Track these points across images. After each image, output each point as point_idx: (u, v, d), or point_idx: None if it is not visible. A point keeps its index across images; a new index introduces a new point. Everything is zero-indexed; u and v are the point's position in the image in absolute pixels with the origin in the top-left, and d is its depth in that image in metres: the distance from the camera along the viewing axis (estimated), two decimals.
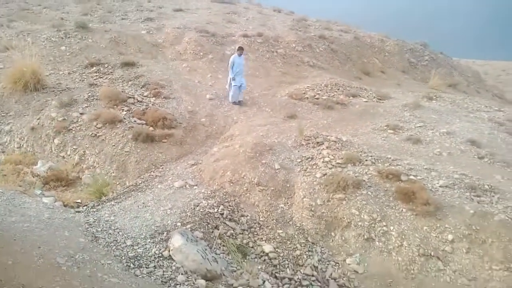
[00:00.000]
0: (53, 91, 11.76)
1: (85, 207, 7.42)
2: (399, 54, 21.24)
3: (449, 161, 9.22)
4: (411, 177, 8.10)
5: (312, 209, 7.65)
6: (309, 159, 8.92)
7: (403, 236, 7.03)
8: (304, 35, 19.56)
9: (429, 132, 10.82)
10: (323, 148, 9.29)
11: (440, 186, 7.92)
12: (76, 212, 7.10)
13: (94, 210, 7.27)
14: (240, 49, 12.78)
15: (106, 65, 13.85)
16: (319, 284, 6.53)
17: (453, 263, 6.68)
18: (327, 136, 9.92)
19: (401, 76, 19.77)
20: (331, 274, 6.70)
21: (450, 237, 6.91)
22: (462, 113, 12.99)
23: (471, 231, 6.90)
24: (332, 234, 7.37)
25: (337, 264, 6.92)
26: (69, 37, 15.43)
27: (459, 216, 7.12)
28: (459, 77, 21.68)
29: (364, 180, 7.98)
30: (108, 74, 13.32)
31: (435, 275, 6.60)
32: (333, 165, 8.57)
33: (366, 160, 8.76)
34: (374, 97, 14.01)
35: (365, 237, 7.16)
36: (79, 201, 7.83)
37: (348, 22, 25.78)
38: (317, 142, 9.62)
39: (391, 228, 7.15)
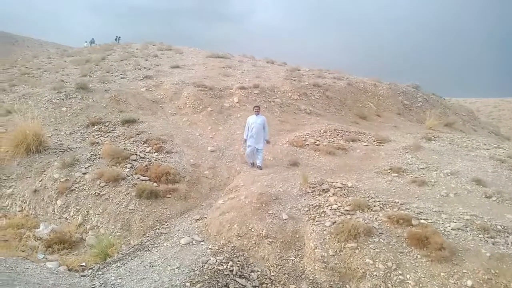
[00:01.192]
0: (55, 152, 11.79)
1: (90, 270, 7.18)
2: (392, 97, 21.71)
3: (457, 202, 9.12)
4: (422, 221, 7.96)
5: (325, 260, 7.43)
6: (317, 207, 8.81)
7: (421, 285, 6.77)
8: (298, 84, 20.07)
9: (433, 173, 10.81)
10: (330, 195, 9.21)
11: (452, 229, 7.77)
12: (82, 276, 6.86)
13: (100, 273, 7.03)
14: (256, 108, 11.78)
15: (107, 124, 14.02)
16: None
17: None
18: (332, 182, 9.87)
19: (397, 118, 20.08)
20: None
21: (469, 283, 6.66)
22: (463, 152, 13.06)
23: (490, 275, 6.67)
24: (347, 286, 7.09)
25: None
26: (69, 98, 15.74)
27: (476, 260, 6.92)
28: (454, 116, 22.04)
29: (375, 227, 7.82)
30: (110, 132, 13.44)
31: None
32: (341, 213, 8.44)
33: (374, 206, 8.65)
34: (374, 141, 14.13)
35: (382, 287, 6.90)
36: (83, 264, 7.60)
37: (340, 69, 26.59)
38: (323, 189, 9.55)
39: (407, 276, 6.91)
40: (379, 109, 20.67)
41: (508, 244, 7.32)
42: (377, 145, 13.75)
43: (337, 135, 14.48)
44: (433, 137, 14.98)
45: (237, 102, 16.90)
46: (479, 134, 20.31)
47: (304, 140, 13.86)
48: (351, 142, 13.83)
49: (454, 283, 6.73)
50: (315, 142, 13.71)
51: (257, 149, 11.49)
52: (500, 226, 7.90)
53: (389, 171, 11.11)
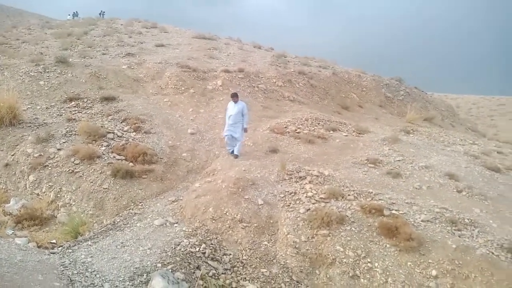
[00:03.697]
0: (30, 126, 11.49)
1: (60, 248, 7.09)
2: (375, 89, 21.86)
3: (429, 195, 9.33)
4: (394, 211, 8.13)
5: (297, 246, 7.52)
6: (292, 194, 8.88)
7: (388, 273, 6.95)
8: (284, 70, 19.99)
9: (408, 166, 11.00)
10: (306, 183, 9.29)
11: (422, 221, 7.95)
12: (51, 253, 6.77)
13: (70, 251, 6.95)
14: (233, 95, 11.06)
15: (85, 100, 13.72)
16: None
17: None
18: (310, 170, 9.95)
19: (378, 110, 20.27)
20: None
21: (434, 272, 6.87)
22: (439, 147, 13.31)
23: (454, 266, 6.89)
24: (317, 272, 7.23)
25: None
26: (48, 71, 15.30)
27: (442, 251, 7.13)
28: (434, 111, 22.38)
29: (347, 216, 7.95)
30: (87, 108, 13.17)
31: None
32: (316, 200, 8.54)
33: (348, 195, 8.78)
34: (354, 131, 14.24)
35: (350, 274, 7.05)
36: (54, 241, 7.49)
37: (326, 58, 26.59)
38: (300, 177, 9.62)
39: (376, 264, 7.07)
40: (361, 100, 20.80)
41: (473, 237, 7.55)
42: (356, 136, 13.87)
43: (318, 124, 14.54)
44: (411, 131, 15.19)
45: (220, 85, 16.75)
46: (457, 130, 20.73)
47: (285, 127, 13.86)
48: (331, 132, 13.91)
49: (420, 272, 6.93)
50: (296, 130, 13.73)
51: (234, 137, 11.06)
52: (468, 219, 8.13)
53: (366, 161, 11.24)
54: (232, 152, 11.35)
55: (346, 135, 13.73)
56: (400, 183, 9.93)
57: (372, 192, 9.03)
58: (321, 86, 20.09)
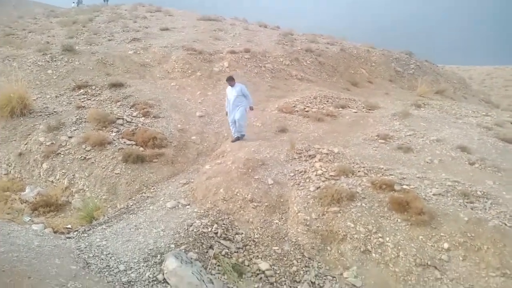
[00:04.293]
0: (41, 115, 11.64)
1: (75, 233, 7.26)
2: (385, 64, 21.49)
3: (440, 169, 9.25)
4: (404, 186, 8.08)
5: (307, 223, 7.58)
6: (302, 173, 8.89)
7: (399, 247, 6.97)
8: (291, 49, 19.74)
9: (420, 140, 10.88)
10: (316, 161, 9.27)
11: (433, 195, 7.91)
12: (67, 238, 6.94)
13: (85, 235, 7.12)
14: (229, 79, 10.62)
15: (93, 87, 13.79)
16: None
17: (450, 271, 6.63)
18: (319, 148, 9.92)
19: (388, 85, 19.97)
20: None
21: (446, 245, 6.87)
22: (451, 120, 13.11)
23: (466, 238, 6.87)
24: (328, 248, 7.29)
25: (335, 279, 6.82)
26: (55, 60, 15.38)
27: (454, 224, 7.10)
28: (445, 84, 21.95)
29: (358, 192, 7.94)
30: (96, 95, 13.25)
31: (432, 285, 6.53)
32: (326, 178, 8.54)
33: (358, 171, 8.75)
34: (363, 108, 14.10)
35: (362, 249, 7.10)
36: (69, 226, 7.68)
37: (333, 35, 26.12)
38: (309, 155, 9.61)
39: (387, 239, 7.10)
40: (371, 76, 20.50)
41: (486, 209, 7.50)
42: (366, 112, 13.73)
43: (327, 101, 14.41)
44: (422, 104, 14.97)
45: (227, 67, 16.64)
46: (469, 102, 20.34)
47: (294, 106, 13.77)
48: (340, 109, 13.78)
49: (432, 245, 6.93)
50: (305, 109, 13.64)
51: (235, 120, 10.63)
52: (480, 192, 8.06)
53: (376, 137, 11.15)
54: (238, 138, 10.87)
55: (356, 112, 13.60)
56: (411, 158, 9.85)
57: (382, 168, 8.99)
58: (329, 63, 19.81)
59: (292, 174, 8.93)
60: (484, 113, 14.45)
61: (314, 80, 17.93)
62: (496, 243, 6.71)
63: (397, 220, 7.34)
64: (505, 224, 7.03)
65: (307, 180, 8.64)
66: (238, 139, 10.78)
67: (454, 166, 9.44)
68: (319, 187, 8.24)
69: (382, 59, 21.72)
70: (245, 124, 10.99)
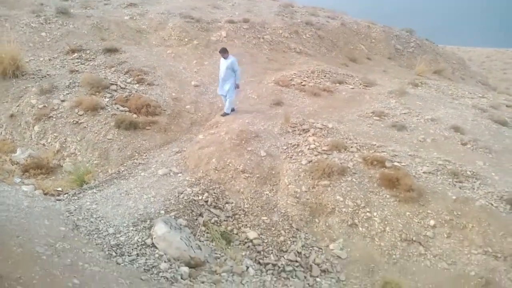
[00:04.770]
0: (33, 77, 11.46)
1: (66, 195, 7.29)
2: (385, 41, 21.19)
3: (433, 148, 9.30)
4: (396, 163, 8.15)
5: (297, 195, 7.65)
6: (295, 146, 8.90)
7: (386, 222, 7.09)
8: (290, 21, 19.37)
9: (414, 118, 10.88)
10: (309, 135, 9.28)
11: (423, 173, 7.99)
12: (57, 200, 6.97)
13: (75, 198, 7.15)
14: (222, 51, 10.18)
15: (88, 51, 13.54)
16: (302, 269, 6.56)
17: (434, 248, 6.78)
18: (313, 123, 9.90)
19: (387, 62, 19.77)
20: (314, 259, 6.73)
21: (432, 222, 7.00)
22: (447, 100, 13.09)
23: (452, 216, 7.00)
24: (316, 220, 7.40)
25: (321, 250, 6.95)
26: (49, 22, 15.01)
27: (441, 202, 7.21)
28: (444, 64, 21.77)
29: (349, 167, 8.00)
30: (90, 60, 13.03)
31: (416, 260, 6.70)
32: (318, 152, 8.57)
33: (351, 147, 8.78)
34: (361, 84, 13.99)
35: (349, 223, 7.21)
36: (59, 189, 7.69)
37: (334, 8, 25.60)
38: (303, 129, 9.60)
39: (374, 214, 7.21)
40: (370, 52, 20.25)
41: (474, 188, 7.61)
42: (363, 89, 13.64)
43: (324, 76, 14.27)
44: (420, 83, 14.89)
45: (224, 37, 16.34)
46: (467, 83, 20.26)
47: (291, 80, 13.64)
48: (337, 84, 13.68)
49: (418, 222, 7.06)
50: (301, 83, 13.52)
51: (223, 95, 10.56)
52: (470, 172, 8.15)
53: (371, 114, 11.13)
54: (226, 113, 10.64)
55: (353, 88, 13.51)
56: (404, 136, 9.88)
57: (375, 145, 9.02)
58: (329, 38, 19.51)
59: (285, 147, 8.95)
60: (480, 95, 14.43)
61: (313, 54, 17.70)
62: (481, 222, 6.86)
63: (385, 196, 7.43)
64: (492, 204, 7.16)
65: (300, 154, 8.66)
66: (224, 113, 10.61)
67: (446, 145, 9.49)
68: (311, 161, 8.27)
69: (382, 35, 21.40)
70: (233, 100, 10.67)
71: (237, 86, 10.46)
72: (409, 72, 18.29)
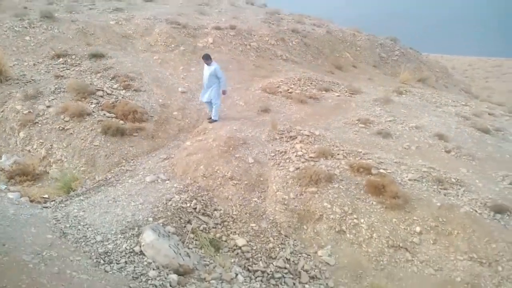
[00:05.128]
0: (18, 83, 11.29)
1: (52, 203, 7.19)
2: (370, 49, 21.55)
3: (417, 155, 9.48)
4: (381, 170, 8.28)
5: (285, 202, 7.70)
6: (283, 153, 8.97)
7: (373, 228, 7.19)
8: (277, 28, 19.54)
9: (399, 126, 11.08)
10: (296, 142, 9.36)
11: (409, 180, 8.13)
12: (44, 207, 6.87)
13: (62, 205, 7.06)
14: (205, 57, 10.19)
15: (73, 57, 13.41)
16: (291, 276, 6.59)
17: (420, 254, 6.90)
18: (300, 130, 10.00)
19: (372, 70, 20.09)
20: (303, 266, 6.77)
21: (418, 229, 7.13)
22: (431, 108, 13.36)
23: (438, 223, 7.14)
24: (305, 227, 7.45)
25: (309, 256, 7.00)
26: (33, 27, 14.82)
27: (427, 209, 7.35)
28: (428, 72, 22.22)
29: (336, 174, 8.09)
30: (76, 65, 12.90)
31: (403, 266, 6.80)
32: (306, 159, 8.65)
33: (338, 154, 8.89)
34: (346, 92, 14.19)
35: (337, 229, 7.28)
36: (46, 196, 7.59)
37: (320, 16, 25.91)
38: (290, 136, 9.68)
39: (362, 220, 7.30)
40: (355, 60, 20.55)
41: (458, 195, 7.77)
42: (349, 96, 13.83)
43: (311, 83, 14.43)
44: (404, 91, 15.16)
45: (211, 43, 16.39)
46: (450, 91, 20.71)
47: (278, 87, 13.74)
48: (323, 92, 13.84)
49: (404, 228, 7.18)
50: (288, 90, 13.64)
51: (207, 102, 10.59)
52: (454, 179, 8.33)
53: (357, 122, 11.29)
54: (210, 118, 10.67)
55: (339, 95, 13.69)
56: (389, 143, 10.04)
57: (361, 152, 9.15)
58: (315, 45, 19.74)
59: (272, 154, 9.00)
60: (463, 103, 14.77)
61: (299, 61, 17.88)
62: (466, 229, 7.01)
63: (372, 203, 7.54)
64: (476, 211, 7.33)
65: (287, 161, 8.73)
66: (211, 120, 10.58)
67: (430, 153, 9.69)
68: (299, 168, 8.35)
69: (367, 44, 21.76)
70: (218, 107, 10.63)
71: (223, 93, 10.50)
72: (393, 80, 18.63)
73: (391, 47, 22.93)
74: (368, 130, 10.79)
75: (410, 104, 13.34)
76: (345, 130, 10.72)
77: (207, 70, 10.20)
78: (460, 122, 12.01)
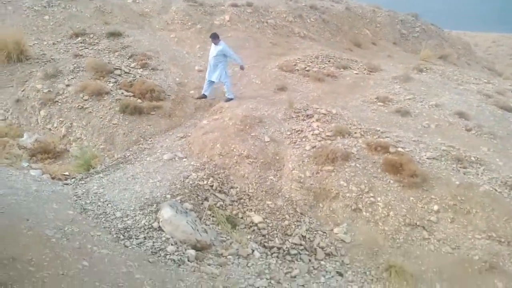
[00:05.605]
0: (38, 62, 11.46)
1: (73, 180, 7.38)
2: (390, 25, 20.99)
3: (437, 133, 9.30)
4: (399, 149, 8.16)
5: (301, 180, 7.71)
6: (299, 132, 8.92)
7: (390, 207, 7.15)
8: (294, 5, 19.16)
9: (418, 104, 10.85)
10: (313, 121, 9.28)
11: (427, 158, 8.01)
12: (64, 184, 7.06)
13: (83, 182, 7.23)
14: (212, 36, 10.26)
15: (91, 36, 13.49)
16: (307, 253, 6.66)
17: (437, 232, 6.85)
18: (317, 108, 9.90)
19: (392, 47, 19.62)
20: (318, 243, 6.82)
21: (435, 207, 7.06)
22: (452, 85, 13.02)
23: (456, 201, 7.05)
24: (320, 205, 7.47)
25: (325, 234, 7.04)
26: (52, 6, 14.90)
27: (445, 187, 7.26)
28: (449, 49, 21.58)
29: (353, 152, 8.02)
30: (94, 44, 12.99)
31: (420, 244, 6.78)
32: (322, 138, 8.59)
33: (355, 133, 8.80)
34: (365, 69, 13.92)
35: (353, 207, 7.27)
36: (67, 173, 7.78)
37: None
38: (307, 115, 9.60)
39: (378, 199, 7.26)
40: (375, 37, 20.07)
41: (478, 174, 7.64)
42: (367, 74, 13.57)
43: (329, 61, 14.19)
44: (424, 69, 14.78)
45: (228, 21, 16.22)
46: (472, 68, 20.12)
47: (295, 65, 13.56)
48: (341, 70, 13.61)
49: (422, 207, 7.12)
50: (305, 68, 13.45)
51: (212, 81, 10.60)
52: (474, 157, 8.18)
53: (375, 100, 11.11)
54: (203, 96, 10.85)
55: (357, 73, 13.45)
56: (408, 122, 9.88)
57: (379, 130, 9.03)
58: (333, 22, 19.33)
59: (289, 133, 8.97)
60: (486, 80, 14.33)
61: (317, 38, 17.57)
62: (485, 207, 6.92)
63: (389, 181, 7.48)
64: (495, 190, 7.21)
65: (304, 139, 8.68)
66: (228, 99, 10.59)
67: (450, 131, 9.50)
68: (315, 146, 8.30)
69: (387, 20, 21.19)
70: (230, 85, 10.73)
71: (241, 68, 10.77)
72: (414, 57, 18.17)
73: (412, 23, 22.27)
74: (386, 108, 10.61)
75: (431, 82, 13.01)
76: (363, 109, 10.57)
77: (214, 49, 10.27)
78: (482, 100, 11.68)
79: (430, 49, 18.39)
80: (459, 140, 9.03)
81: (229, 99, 10.53)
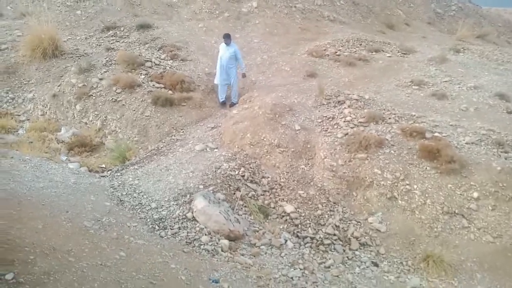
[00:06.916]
0: (72, 57, 11.75)
1: (109, 172, 7.60)
2: (424, 5, 20.13)
3: (476, 117, 8.91)
4: (436, 134, 7.88)
5: (333, 169, 7.59)
6: (330, 119, 8.76)
7: (427, 195, 6.94)
8: None
9: (456, 86, 10.41)
10: (345, 107, 9.08)
11: (466, 143, 7.70)
12: (101, 176, 7.29)
13: (118, 174, 7.43)
14: (226, 36, 10.17)
15: (122, 29, 13.71)
16: (340, 243, 6.59)
17: (478, 220, 6.60)
18: (349, 94, 9.67)
19: (426, 28, 18.83)
20: (352, 233, 6.73)
21: (475, 194, 6.79)
22: (491, 66, 12.39)
23: (497, 188, 6.75)
24: (354, 194, 7.34)
25: (359, 223, 6.93)
26: (83, 0, 15.23)
27: (485, 173, 6.95)
28: (488, 27, 20.47)
29: (387, 139, 7.81)
30: (125, 37, 13.19)
31: (459, 233, 6.56)
32: (355, 124, 8.40)
33: (389, 118, 8.55)
34: (398, 52, 13.45)
35: (388, 196, 7.11)
36: (103, 166, 8.03)
37: None
38: (338, 101, 9.40)
39: (415, 186, 7.06)
40: (408, 18, 19.31)
41: None
42: (401, 56, 13.12)
43: (360, 45, 13.80)
44: (462, 49, 14.13)
45: (255, 8, 16.02)
46: None
47: (324, 50, 13.28)
48: (373, 53, 13.21)
49: (461, 194, 6.87)
50: (336, 52, 13.14)
51: (227, 84, 10.57)
52: None
53: (409, 83, 10.75)
54: (224, 102, 10.65)
55: (390, 56, 13.02)
56: (445, 105, 9.51)
57: (414, 115, 8.73)
58: (364, 4, 18.71)
59: (319, 120, 8.83)
60: None
61: (347, 22, 17.09)
62: None
63: (426, 168, 7.24)
64: None
65: (335, 127, 8.52)
66: (232, 104, 10.53)
67: (490, 114, 9.07)
68: (347, 133, 8.13)
69: None
70: (237, 89, 10.75)
71: (243, 75, 10.72)
72: (450, 38, 17.36)
73: (447, 1, 21.26)
74: (422, 91, 10.25)
75: (468, 63, 12.43)
76: (397, 93, 10.25)
77: (225, 50, 10.20)
78: None
79: (467, 28, 17.48)
80: (499, 123, 8.60)
81: (233, 104, 10.50)
